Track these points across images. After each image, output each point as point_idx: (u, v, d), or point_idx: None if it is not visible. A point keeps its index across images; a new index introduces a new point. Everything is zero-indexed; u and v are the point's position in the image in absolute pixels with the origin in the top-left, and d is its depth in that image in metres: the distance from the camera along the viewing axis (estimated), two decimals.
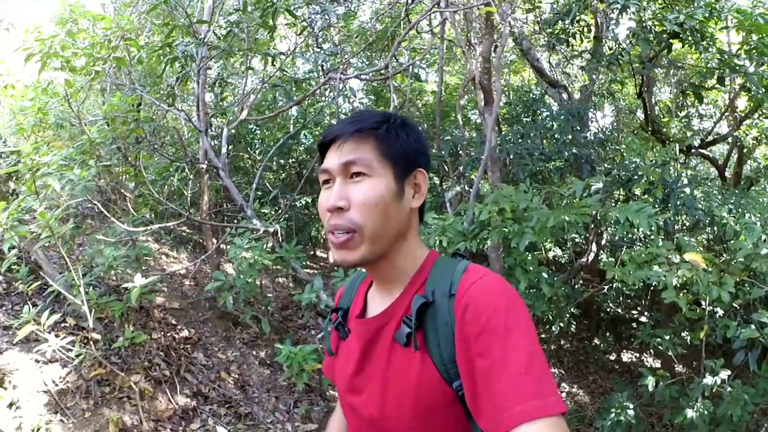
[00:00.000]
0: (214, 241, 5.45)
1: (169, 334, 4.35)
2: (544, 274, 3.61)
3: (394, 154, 0.99)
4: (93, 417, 3.21)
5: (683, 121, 6.34)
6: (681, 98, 6.41)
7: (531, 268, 3.58)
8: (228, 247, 4.23)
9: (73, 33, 3.15)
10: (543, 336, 5.62)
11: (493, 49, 4.95)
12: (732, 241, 3.49)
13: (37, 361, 3.32)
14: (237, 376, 4.37)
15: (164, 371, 3.92)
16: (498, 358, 0.83)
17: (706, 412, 3.48)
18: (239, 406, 4.02)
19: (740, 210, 4.03)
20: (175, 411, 3.66)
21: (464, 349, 0.88)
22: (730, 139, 5.86)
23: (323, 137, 1.04)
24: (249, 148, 6.75)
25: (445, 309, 0.93)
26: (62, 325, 3.69)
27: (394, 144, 1.00)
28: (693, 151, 5.67)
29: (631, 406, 3.92)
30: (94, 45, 3.34)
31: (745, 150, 6.03)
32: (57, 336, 3.31)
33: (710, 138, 5.91)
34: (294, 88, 5.53)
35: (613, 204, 4.37)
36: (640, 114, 6.75)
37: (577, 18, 4.81)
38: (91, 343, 3.62)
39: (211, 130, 5.71)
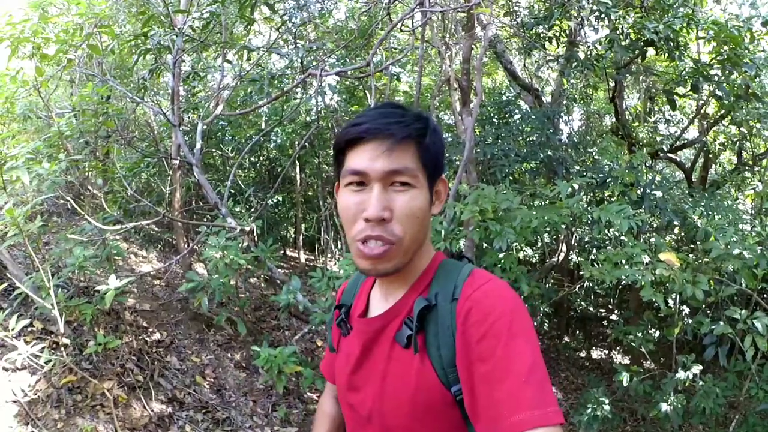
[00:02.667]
0: (185, 239, 5.26)
1: (140, 338, 4.16)
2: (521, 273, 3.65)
3: (429, 163, 0.95)
4: (66, 427, 3.02)
5: (652, 126, 6.61)
6: (650, 104, 6.67)
7: (510, 267, 3.62)
8: (201, 246, 4.08)
9: (46, 17, 2.96)
10: None
11: (471, 50, 4.99)
12: (702, 242, 3.65)
13: (6, 369, 3.11)
14: (213, 379, 4.23)
15: (137, 377, 3.74)
16: (500, 364, 0.81)
17: (679, 406, 3.62)
18: (216, 411, 3.89)
19: (710, 212, 4.22)
20: (150, 418, 3.50)
21: (465, 354, 0.87)
22: (697, 144, 6.13)
23: (359, 132, 0.91)
24: (221, 145, 6.57)
25: (447, 313, 0.92)
26: (29, 329, 3.46)
27: (431, 151, 0.96)
28: (661, 155, 5.92)
29: (607, 401, 4.03)
30: (67, 31, 3.15)
31: (711, 155, 6.34)
32: (26, 342, 3.11)
33: (678, 143, 6.17)
34: (268, 84, 5.40)
35: (586, 206, 4.49)
36: (609, 118, 6.98)
37: (554, 24, 4.92)
38: (61, 348, 3.42)
39: (183, 125, 5.51)
